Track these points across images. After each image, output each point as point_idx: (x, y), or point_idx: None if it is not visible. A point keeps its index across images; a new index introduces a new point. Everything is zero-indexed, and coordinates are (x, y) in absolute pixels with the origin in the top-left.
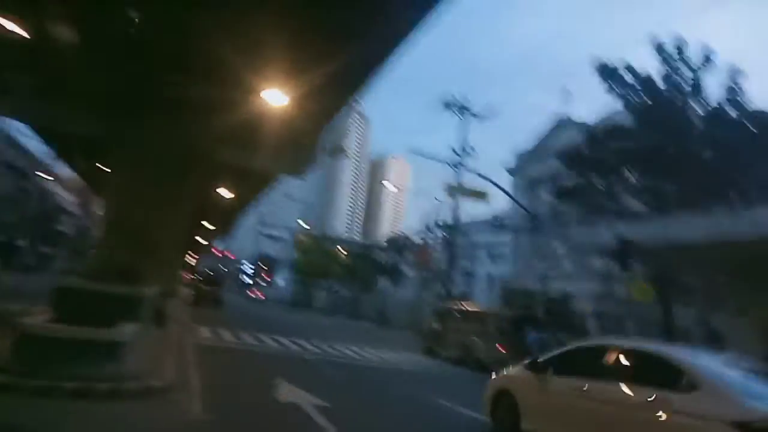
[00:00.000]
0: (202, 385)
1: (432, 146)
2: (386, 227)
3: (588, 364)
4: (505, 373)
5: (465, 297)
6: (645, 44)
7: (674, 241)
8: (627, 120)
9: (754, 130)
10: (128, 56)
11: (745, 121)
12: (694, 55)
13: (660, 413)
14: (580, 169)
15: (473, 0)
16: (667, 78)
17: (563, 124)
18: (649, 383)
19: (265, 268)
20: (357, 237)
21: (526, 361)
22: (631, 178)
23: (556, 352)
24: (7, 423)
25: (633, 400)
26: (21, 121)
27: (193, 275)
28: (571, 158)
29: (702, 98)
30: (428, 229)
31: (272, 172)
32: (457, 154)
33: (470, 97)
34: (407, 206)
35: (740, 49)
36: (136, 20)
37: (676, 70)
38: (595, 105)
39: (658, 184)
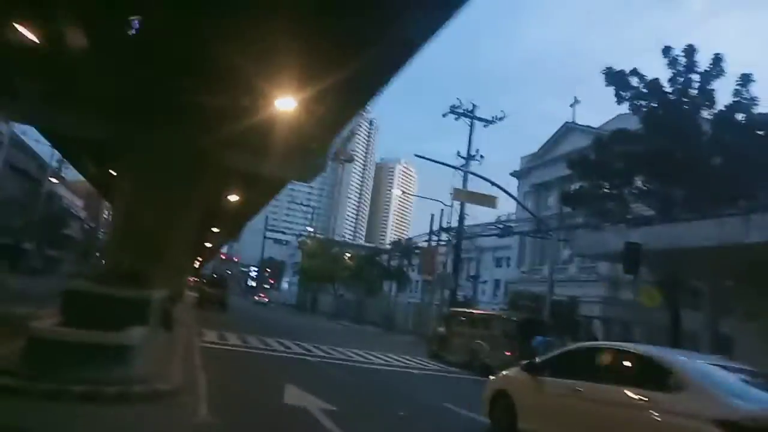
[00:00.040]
0: (210, 389)
1: (439, 151)
2: (392, 231)
3: (582, 365)
4: (503, 374)
5: (471, 301)
6: (655, 50)
7: (682, 246)
8: (635, 124)
9: (763, 135)
10: (138, 61)
11: (754, 126)
12: (703, 60)
13: (648, 413)
14: (587, 173)
15: (482, 6)
16: (675, 82)
17: (570, 128)
18: (639, 384)
19: (270, 271)
20: (362, 241)
21: (524, 363)
22: (639, 182)
23: (552, 354)
24: (15, 426)
25: (623, 400)
26: (30, 125)
27: (198, 278)
28: (578, 162)
29: (710, 102)
30: (434, 233)
31: (281, 178)
32: (464, 159)
33: (478, 102)
34: (413, 210)
35: (749, 54)
36: (146, 25)
37: (684, 74)
38: (602, 110)
39: (666, 189)
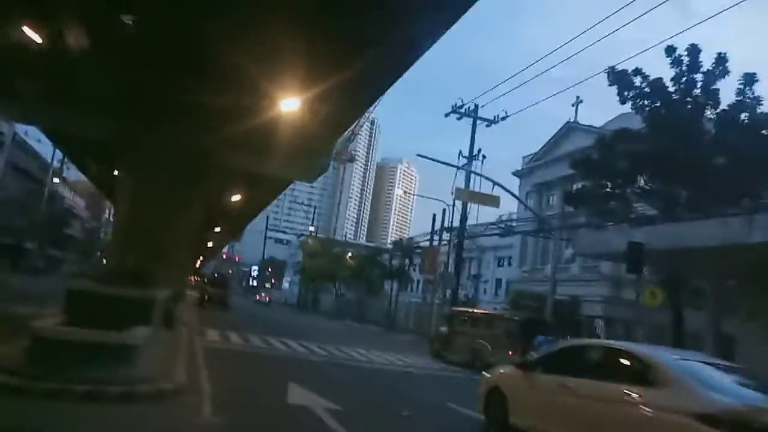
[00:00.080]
0: (213, 388)
1: (440, 151)
2: (393, 231)
3: (573, 362)
4: (497, 371)
5: (472, 300)
6: (659, 49)
7: (685, 245)
8: (637, 124)
9: (766, 134)
10: (140, 61)
11: (758, 126)
12: (706, 59)
13: (634, 407)
14: (590, 173)
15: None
16: (678, 82)
17: (572, 127)
18: (625, 380)
19: (272, 271)
20: (363, 240)
21: (518, 360)
22: (642, 181)
23: (545, 351)
24: (18, 425)
25: (610, 396)
26: (32, 125)
27: (200, 277)
28: (581, 162)
29: (714, 102)
30: (436, 232)
31: (284, 178)
32: (466, 158)
33: (479, 102)
34: (415, 210)
35: (754, 53)
36: (147, 25)
37: (687, 74)
38: (605, 110)
39: (669, 188)
